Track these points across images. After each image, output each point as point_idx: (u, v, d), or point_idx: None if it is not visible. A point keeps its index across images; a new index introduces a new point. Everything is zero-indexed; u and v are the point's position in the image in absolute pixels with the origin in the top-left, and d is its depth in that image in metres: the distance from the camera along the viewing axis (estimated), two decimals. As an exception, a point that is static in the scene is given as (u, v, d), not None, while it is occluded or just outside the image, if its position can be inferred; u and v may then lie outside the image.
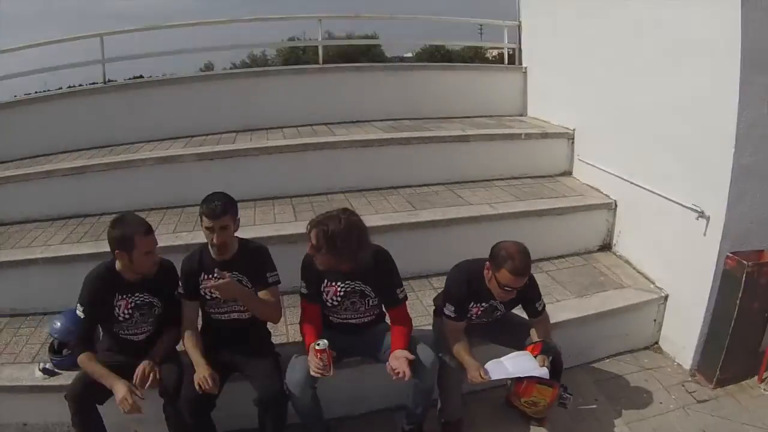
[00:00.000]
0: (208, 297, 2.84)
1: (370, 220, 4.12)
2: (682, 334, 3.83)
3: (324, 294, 2.85)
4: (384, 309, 2.99)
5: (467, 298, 2.95)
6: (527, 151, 5.42)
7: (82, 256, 3.83)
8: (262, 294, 2.85)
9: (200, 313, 2.99)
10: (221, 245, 2.74)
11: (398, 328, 2.83)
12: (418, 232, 4.22)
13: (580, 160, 5.43)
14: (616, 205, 4.75)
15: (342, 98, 6.17)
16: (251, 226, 4.22)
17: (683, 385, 3.58)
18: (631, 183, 4.49)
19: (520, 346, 3.05)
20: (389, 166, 5.11)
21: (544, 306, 3.11)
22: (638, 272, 4.36)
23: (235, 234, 2.85)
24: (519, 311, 3.17)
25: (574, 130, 5.49)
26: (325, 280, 2.83)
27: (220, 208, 2.68)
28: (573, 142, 5.51)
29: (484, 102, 6.56)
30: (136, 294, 2.78)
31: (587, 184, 5.21)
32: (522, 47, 6.81)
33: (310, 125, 5.96)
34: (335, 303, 2.86)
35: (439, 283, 4.08)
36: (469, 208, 4.49)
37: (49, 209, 4.75)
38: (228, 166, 4.92)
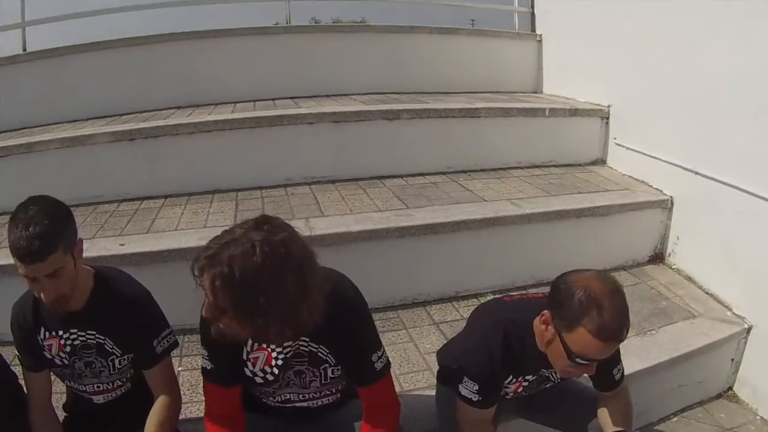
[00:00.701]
0: (58, 362, 1.71)
1: (342, 223, 2.97)
2: (770, 377, 2.78)
3: (248, 365, 1.59)
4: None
5: (502, 373, 1.70)
6: (552, 132, 4.27)
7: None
8: (148, 374, 1.73)
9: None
10: (56, 301, 1.55)
11: (374, 429, 1.60)
12: (411, 241, 2.97)
13: (617, 144, 4.31)
14: (672, 203, 3.63)
15: (314, 67, 4.97)
16: (171, 232, 3.02)
17: (776, 451, 2.57)
18: (696, 173, 3.37)
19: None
20: (371, 149, 3.90)
21: (623, 373, 1.85)
22: (707, 293, 3.28)
23: (81, 264, 1.63)
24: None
25: (609, 107, 4.36)
26: (250, 343, 1.57)
27: (39, 245, 1.43)
28: (608, 123, 4.39)
29: (490, 75, 5.40)
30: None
31: (629, 176, 4.09)
32: (535, 11, 5.65)
33: (273, 99, 4.79)
34: (269, 378, 1.60)
35: (441, 315, 2.91)
36: (482, 207, 3.24)
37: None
38: (153, 148, 3.70)
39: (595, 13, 4.49)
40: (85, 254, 1.65)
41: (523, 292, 1.95)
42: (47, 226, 1.45)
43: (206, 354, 1.58)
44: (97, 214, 3.43)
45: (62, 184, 3.51)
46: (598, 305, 1.43)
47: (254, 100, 4.76)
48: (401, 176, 3.88)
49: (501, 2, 6.13)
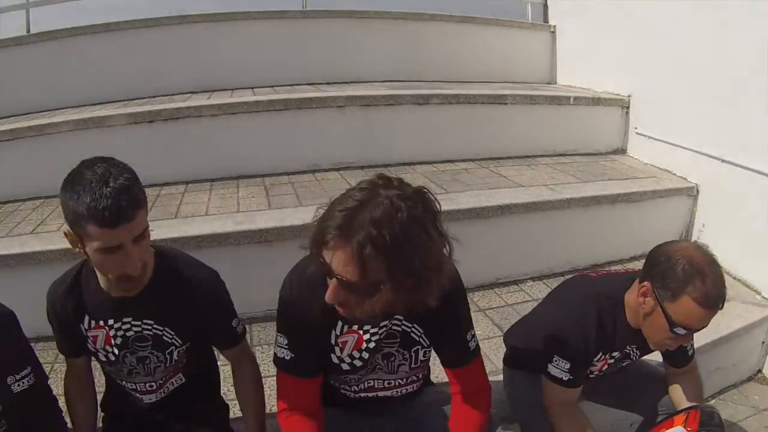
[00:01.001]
0: (102, 357, 1.48)
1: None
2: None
3: (335, 350, 1.42)
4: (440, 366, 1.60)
5: (594, 350, 1.66)
6: (575, 121, 4.24)
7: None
8: (228, 354, 1.59)
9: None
10: (138, 275, 1.32)
11: (469, 414, 1.47)
12: (454, 226, 2.85)
13: (638, 134, 4.32)
14: (698, 191, 3.64)
15: (330, 53, 4.88)
16: (202, 217, 2.90)
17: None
18: (723, 161, 3.38)
19: (649, 413, 1.87)
20: (400, 134, 3.81)
21: (694, 348, 1.85)
22: (734, 278, 3.25)
23: None
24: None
25: (629, 96, 4.36)
26: (340, 325, 1.39)
27: (127, 200, 1.20)
28: (628, 112, 4.39)
29: (505, 65, 5.36)
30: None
31: (651, 164, 4.09)
32: (548, 2, 5.64)
33: (291, 85, 4.67)
34: (357, 364, 1.44)
35: (486, 302, 2.88)
36: (522, 191, 3.21)
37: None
38: (175, 131, 3.56)
39: (613, 4, 4.47)
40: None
41: (599, 269, 1.91)
42: (128, 179, 1.23)
43: (285, 342, 1.39)
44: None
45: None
46: (701, 274, 1.43)
47: (271, 86, 4.65)
48: (430, 162, 3.81)
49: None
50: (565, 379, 1.64)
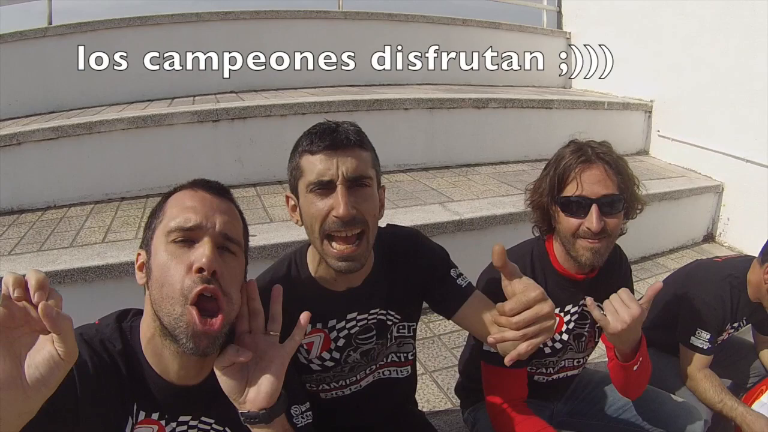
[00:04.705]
0: (316, 367, 1.24)
1: (480, 207, 3.06)
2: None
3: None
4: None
5: (728, 319, 1.93)
6: (608, 124, 4.53)
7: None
8: (463, 316, 1.26)
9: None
10: (354, 232, 1.07)
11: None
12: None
13: (661, 136, 4.69)
14: (722, 189, 4.04)
15: (370, 53, 4.85)
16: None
17: None
18: (748, 161, 3.82)
19: (741, 377, 2.22)
20: (461, 136, 3.97)
21: None
22: None
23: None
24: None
25: (652, 101, 4.72)
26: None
27: (354, 132, 1.07)
28: (650, 116, 4.76)
29: (522, 69, 5.53)
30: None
31: (675, 164, 4.46)
32: (563, 10, 5.93)
33: (332, 86, 4.72)
34: (557, 346, 1.53)
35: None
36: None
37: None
38: (241, 131, 3.56)
39: (632, 12, 4.79)
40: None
41: (717, 256, 2.22)
42: (362, 133, 1.11)
43: None
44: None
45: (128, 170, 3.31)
46: None
47: (316, 87, 4.68)
48: (487, 164, 3.96)
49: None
50: (705, 348, 1.89)
